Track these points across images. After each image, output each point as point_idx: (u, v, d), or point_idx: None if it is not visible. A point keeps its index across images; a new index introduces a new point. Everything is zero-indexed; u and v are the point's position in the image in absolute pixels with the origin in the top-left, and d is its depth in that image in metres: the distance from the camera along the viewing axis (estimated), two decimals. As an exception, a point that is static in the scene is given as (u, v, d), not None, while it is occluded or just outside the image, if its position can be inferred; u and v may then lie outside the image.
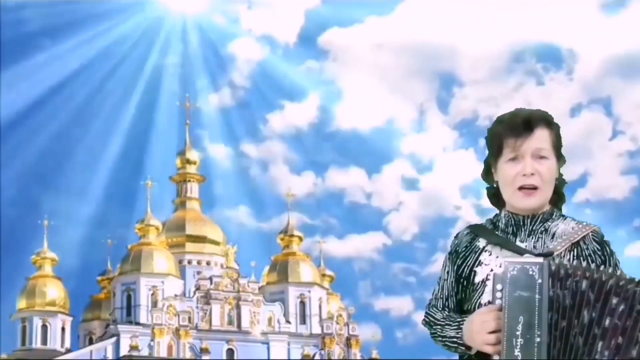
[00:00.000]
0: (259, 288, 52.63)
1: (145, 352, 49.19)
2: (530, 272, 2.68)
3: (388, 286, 71.11)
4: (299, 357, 51.61)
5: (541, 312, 2.66)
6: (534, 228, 2.90)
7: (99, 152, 64.04)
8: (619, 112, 71.52)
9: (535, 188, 2.86)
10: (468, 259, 2.91)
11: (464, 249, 2.93)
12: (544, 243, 2.87)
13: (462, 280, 2.90)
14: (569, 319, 2.67)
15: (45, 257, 54.43)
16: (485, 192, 3.02)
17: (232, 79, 70.67)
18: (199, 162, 59.23)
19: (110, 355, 49.63)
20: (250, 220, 66.42)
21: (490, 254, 2.88)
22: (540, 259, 2.72)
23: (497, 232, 2.92)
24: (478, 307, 2.82)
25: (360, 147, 70.24)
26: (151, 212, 53.81)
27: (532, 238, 2.88)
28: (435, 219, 75.40)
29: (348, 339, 53.06)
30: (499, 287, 2.71)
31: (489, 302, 2.77)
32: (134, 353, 48.68)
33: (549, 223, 2.91)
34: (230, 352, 50.79)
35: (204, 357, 50.14)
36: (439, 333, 2.87)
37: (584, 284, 2.68)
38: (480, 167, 3.01)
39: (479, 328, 2.72)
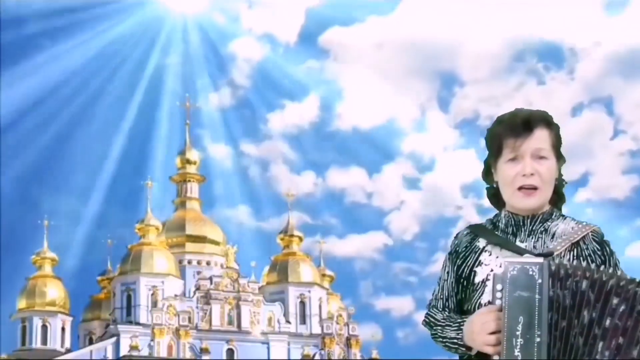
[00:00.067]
0: (259, 288, 52.63)
1: (145, 352, 49.18)
2: (530, 272, 2.68)
3: (389, 286, 71.07)
4: (299, 357, 51.59)
5: (541, 312, 2.65)
6: (533, 228, 2.90)
7: (99, 152, 64.03)
8: (620, 112, 71.49)
9: (535, 188, 2.85)
10: (468, 259, 2.91)
11: (464, 249, 2.93)
12: (544, 243, 2.87)
13: (462, 280, 2.91)
14: (569, 319, 2.66)
15: (45, 257, 54.43)
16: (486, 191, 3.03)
17: (232, 79, 70.65)
18: (199, 162, 59.24)
19: (110, 355, 49.62)
20: (251, 220, 66.39)
21: (490, 254, 2.88)
22: (540, 259, 2.71)
23: (497, 232, 2.92)
24: (478, 307, 2.82)
25: (361, 147, 70.19)
26: (151, 212, 53.82)
27: (532, 238, 2.88)
28: (436, 218, 75.32)
29: (348, 339, 53.05)
30: (499, 287, 2.71)
31: (489, 302, 2.77)
32: (134, 353, 48.67)
33: (549, 223, 2.90)
34: (230, 352, 50.78)
35: (204, 357, 50.12)
36: (439, 334, 2.87)
37: (584, 284, 2.67)
38: (481, 166, 3.00)
39: (479, 329, 2.72)
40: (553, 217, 2.92)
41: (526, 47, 71.43)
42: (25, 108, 62.75)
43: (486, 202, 3.01)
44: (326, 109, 71.35)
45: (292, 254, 54.31)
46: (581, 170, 67.64)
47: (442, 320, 2.87)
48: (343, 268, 65.43)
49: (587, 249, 2.87)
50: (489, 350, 2.71)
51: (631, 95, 70.78)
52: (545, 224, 2.90)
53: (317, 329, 52.56)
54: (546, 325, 2.65)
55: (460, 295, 2.91)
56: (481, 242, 2.91)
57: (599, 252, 2.87)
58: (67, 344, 53.12)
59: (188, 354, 50.02)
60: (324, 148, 72.84)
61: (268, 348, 51.37)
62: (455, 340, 2.81)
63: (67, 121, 64.48)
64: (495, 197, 2.96)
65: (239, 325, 51.13)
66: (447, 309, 2.92)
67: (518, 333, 2.65)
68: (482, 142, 2.98)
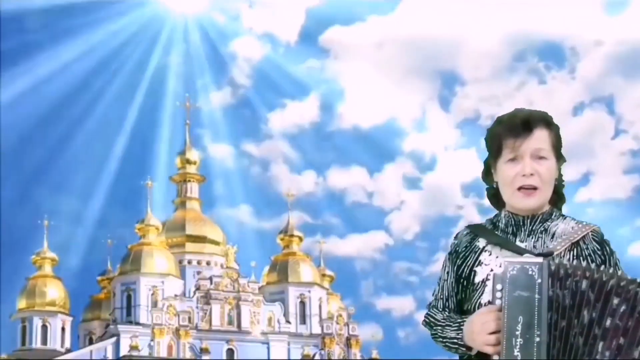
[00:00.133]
0: (259, 288, 52.63)
1: (145, 352, 49.17)
2: (530, 272, 2.67)
3: (390, 286, 70.92)
4: (299, 357, 51.60)
5: (541, 312, 2.65)
6: (533, 228, 2.90)
7: (99, 152, 63.98)
8: (622, 111, 71.38)
9: (534, 188, 2.86)
10: (468, 259, 2.91)
11: (463, 249, 2.93)
12: (544, 243, 2.87)
13: (462, 280, 2.91)
14: (568, 319, 2.66)
15: (45, 257, 54.42)
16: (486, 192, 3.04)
17: (233, 78, 70.57)
18: (199, 162, 59.22)
19: (110, 355, 49.61)
20: (251, 219, 66.32)
21: (490, 254, 2.88)
22: (540, 259, 2.71)
23: (497, 232, 2.92)
24: (478, 307, 2.83)
25: (362, 146, 70.10)
26: (151, 212, 53.82)
27: (532, 238, 2.89)
28: (437, 218, 75.19)
29: (348, 339, 53.06)
30: (498, 287, 2.71)
31: (489, 302, 2.77)
32: (134, 353, 48.67)
33: (549, 223, 2.91)
34: (230, 352, 50.77)
35: (204, 357, 50.11)
36: (439, 334, 2.87)
37: (584, 284, 2.67)
38: (482, 166, 3.01)
39: (479, 329, 2.72)
40: (553, 217, 2.92)
41: (527, 46, 71.38)
42: (25, 108, 62.73)
43: (487, 202, 3.01)
44: (327, 109, 71.32)
45: (292, 254, 54.29)
46: (582, 170, 67.58)
47: (442, 320, 2.88)
48: (343, 268, 65.38)
49: (587, 248, 2.87)
50: (488, 350, 2.71)
51: (632, 94, 70.70)
52: (545, 224, 2.90)
53: (317, 329, 52.55)
54: (546, 325, 2.65)
55: (460, 295, 2.91)
56: (481, 242, 2.91)
57: (599, 252, 2.87)
58: (67, 344, 53.12)
59: (188, 354, 50.01)
60: (324, 148, 72.81)
61: (268, 348, 51.37)
62: (455, 340, 2.81)
63: (67, 121, 64.46)
64: (495, 197, 2.97)
65: (239, 325, 51.11)
66: (447, 309, 2.92)
67: (518, 333, 2.64)
68: (483, 142, 2.98)
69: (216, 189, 63.15)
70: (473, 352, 2.78)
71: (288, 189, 58.25)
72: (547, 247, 2.84)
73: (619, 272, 2.74)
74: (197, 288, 51.33)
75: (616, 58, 70.67)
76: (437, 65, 73.07)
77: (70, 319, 54.07)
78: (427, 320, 2.94)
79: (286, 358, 51.52)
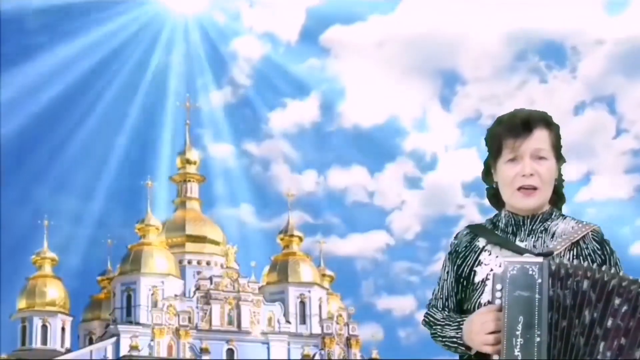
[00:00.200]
0: (259, 288, 52.63)
1: (145, 352, 49.15)
2: (530, 272, 2.67)
3: (390, 285, 70.84)
4: (299, 357, 51.59)
5: (541, 311, 2.65)
6: (533, 228, 2.90)
7: (99, 152, 63.96)
8: (623, 110, 71.29)
9: (534, 188, 2.86)
10: (468, 258, 2.91)
11: (463, 248, 2.94)
12: (544, 242, 2.87)
13: (461, 280, 2.91)
14: (569, 319, 2.66)
15: (45, 257, 54.40)
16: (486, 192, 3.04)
17: (233, 77, 70.52)
18: (199, 162, 59.20)
19: (110, 355, 49.60)
20: (252, 219, 66.26)
21: (490, 254, 2.88)
22: (540, 259, 2.71)
23: (497, 232, 2.93)
24: (478, 307, 2.83)
25: (362, 146, 70.10)
26: (151, 212, 53.79)
27: (532, 238, 2.89)
28: (438, 217, 75.06)
29: (348, 339, 53.05)
30: (498, 286, 2.71)
31: (489, 302, 2.77)
32: (134, 353, 48.65)
33: (549, 222, 2.91)
34: (230, 352, 50.76)
35: (204, 357, 50.09)
36: (438, 333, 2.88)
37: (585, 284, 2.66)
38: (482, 166, 3.02)
39: (478, 328, 2.72)
40: (553, 216, 2.92)
41: (528, 45, 71.31)
42: (25, 108, 62.67)
43: (488, 202, 3.01)
44: (327, 108, 71.26)
45: (292, 254, 54.27)
46: (583, 170, 67.49)
47: (442, 320, 2.88)
48: (344, 268, 65.33)
49: (587, 248, 2.87)
50: (487, 349, 2.70)
51: (634, 94, 70.61)
52: (545, 224, 2.90)
53: (317, 329, 52.53)
54: (546, 325, 2.64)
55: (460, 295, 2.92)
56: (481, 242, 2.92)
57: (599, 252, 2.87)
58: (67, 344, 53.12)
59: (188, 354, 49.99)
60: (325, 147, 72.77)
61: (268, 348, 51.35)
62: (455, 340, 2.81)
63: (67, 121, 64.42)
64: (495, 197, 2.97)
65: (239, 325, 51.09)
66: (446, 309, 2.92)
67: (518, 333, 2.64)
68: (484, 142, 2.98)
69: (216, 189, 63.13)
70: (472, 352, 2.78)
71: (288, 189, 58.26)
72: (547, 246, 2.84)
73: (620, 272, 2.73)
74: (197, 288, 51.31)
75: (617, 57, 70.59)
76: (437, 65, 73.03)
77: (70, 319, 54.08)
78: (426, 319, 2.94)
79: (286, 358, 51.52)
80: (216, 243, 55.62)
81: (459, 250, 2.94)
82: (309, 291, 53.11)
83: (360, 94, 69.97)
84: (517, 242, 2.88)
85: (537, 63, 72.43)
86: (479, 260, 2.89)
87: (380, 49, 73.39)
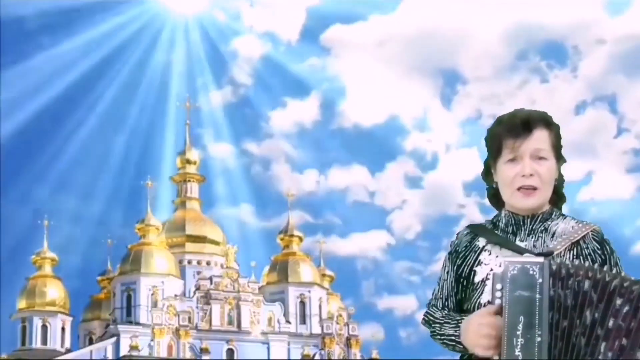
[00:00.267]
0: (259, 288, 52.62)
1: (145, 352, 49.13)
2: (531, 272, 2.66)
3: (391, 285, 70.82)
4: (299, 357, 51.57)
5: (542, 311, 2.64)
6: (534, 227, 2.90)
7: (99, 152, 63.94)
8: (624, 110, 71.29)
9: (534, 188, 2.86)
10: (468, 258, 2.92)
11: (463, 248, 2.94)
12: (544, 242, 2.87)
13: (461, 280, 2.92)
14: (570, 319, 2.65)
15: (45, 257, 54.39)
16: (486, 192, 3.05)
17: (233, 77, 70.51)
18: (199, 162, 59.20)
19: (110, 355, 49.58)
20: (252, 219, 66.23)
21: (490, 254, 2.89)
22: (540, 259, 2.70)
23: (497, 232, 2.93)
24: (478, 307, 2.84)
25: (363, 145, 70.10)
26: (151, 212, 53.77)
27: (532, 237, 2.89)
28: (439, 217, 75.06)
29: (348, 339, 53.04)
30: (498, 286, 2.70)
31: (489, 302, 2.77)
32: (134, 353, 48.63)
33: (549, 222, 2.91)
34: (230, 352, 50.74)
35: (204, 357, 50.06)
36: (437, 331, 2.88)
37: (587, 284, 2.66)
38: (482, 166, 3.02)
39: (474, 329, 2.72)
40: (553, 216, 2.92)
41: (529, 45, 71.29)
42: (25, 108, 62.62)
43: (488, 201, 3.02)
44: (328, 107, 71.25)
45: (292, 254, 54.24)
46: (585, 169, 67.42)
47: (441, 318, 2.88)
48: (344, 268, 65.34)
49: (587, 248, 2.87)
50: (478, 352, 2.71)
51: (635, 93, 70.62)
52: (545, 224, 2.90)
53: (317, 329, 52.51)
54: (547, 325, 2.64)
55: (460, 295, 2.92)
56: (481, 242, 2.92)
57: (599, 252, 2.87)
58: (67, 344, 53.11)
59: (188, 354, 49.97)
60: (325, 147, 72.74)
61: (268, 348, 51.33)
62: (453, 338, 2.82)
63: (67, 121, 64.38)
64: (495, 197, 2.97)
65: (239, 325, 51.08)
66: (446, 308, 2.93)
67: (519, 333, 2.63)
68: (484, 142, 2.99)
69: (216, 189, 63.12)
70: (470, 350, 2.78)
71: (288, 189, 58.20)
72: (547, 246, 2.84)
73: (621, 273, 2.74)
74: (197, 288, 51.29)
75: (618, 57, 70.56)
76: (438, 64, 73.01)
77: (70, 319, 54.08)
78: (426, 318, 2.95)
79: (286, 358, 51.50)
80: (216, 243, 55.60)
81: (459, 250, 2.94)
82: (309, 291, 53.08)
83: (361, 94, 69.99)
84: (517, 242, 2.88)
85: (538, 62, 72.45)
86: (479, 260, 2.89)
87: (381, 48, 73.38)
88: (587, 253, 2.85)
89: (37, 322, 52.30)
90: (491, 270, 2.83)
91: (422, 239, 71.63)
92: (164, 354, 49.57)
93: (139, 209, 54.70)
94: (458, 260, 2.93)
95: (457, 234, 2.99)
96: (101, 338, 52.00)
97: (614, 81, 71.46)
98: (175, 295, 50.87)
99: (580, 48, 71.67)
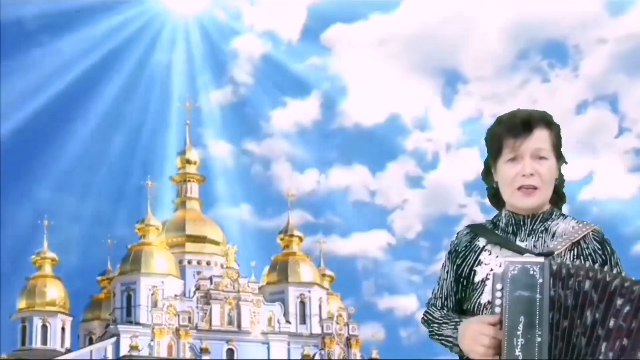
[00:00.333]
0: (259, 288, 52.62)
1: (145, 352, 49.13)
2: (531, 272, 2.66)
3: (392, 285, 70.81)
4: (299, 357, 51.55)
5: (542, 311, 2.64)
6: (534, 227, 2.90)
7: (99, 152, 63.91)
8: (625, 109, 71.29)
9: (534, 188, 2.86)
10: (468, 258, 2.92)
11: (463, 248, 2.94)
12: (544, 242, 2.87)
13: (461, 279, 2.91)
14: (571, 319, 2.65)
15: (45, 257, 54.40)
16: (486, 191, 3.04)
17: (234, 76, 70.46)
18: (199, 162, 59.21)
19: (110, 355, 49.57)
20: (252, 218, 66.21)
21: (490, 254, 2.89)
22: (541, 259, 2.70)
23: (497, 232, 2.93)
24: (477, 307, 2.84)
25: (364, 145, 70.09)
26: (151, 212, 53.76)
27: (532, 237, 2.89)
28: (440, 217, 75.06)
29: (348, 339, 53.03)
30: (498, 286, 2.70)
31: (489, 302, 2.78)
32: (134, 353, 48.63)
33: (549, 222, 2.91)
34: (230, 352, 50.74)
35: (204, 357, 50.06)
36: (435, 331, 2.89)
37: (587, 284, 2.66)
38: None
39: (471, 335, 2.72)
40: (553, 216, 2.92)
41: (530, 44, 71.28)
42: (25, 107, 62.61)
43: (488, 201, 3.02)
44: (329, 107, 71.22)
45: (292, 254, 54.23)
46: (586, 169, 67.35)
47: (440, 318, 2.88)
48: (344, 267, 65.35)
49: (587, 248, 2.87)
50: (474, 357, 2.71)
51: (636, 92, 70.62)
52: (545, 224, 2.90)
53: (317, 329, 52.51)
54: (547, 325, 2.63)
55: (460, 295, 2.92)
56: (481, 242, 2.92)
57: (599, 252, 2.87)
58: (67, 344, 53.11)
59: (188, 354, 49.96)
60: (326, 146, 72.77)
61: (268, 348, 51.32)
62: (451, 340, 2.82)
63: (67, 121, 64.38)
64: (496, 197, 2.97)
65: (239, 325, 51.07)
66: (445, 308, 2.93)
67: (519, 332, 2.63)
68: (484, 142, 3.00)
69: (216, 189, 63.08)
70: (466, 354, 2.79)
71: (289, 188, 58.17)
72: (547, 246, 2.84)
73: (622, 273, 2.74)
74: (197, 288, 51.28)
75: (620, 56, 70.55)
76: (439, 63, 73.01)
77: (70, 319, 54.09)
78: (425, 317, 2.95)
79: (286, 358, 51.49)
80: (216, 243, 55.59)
81: (459, 250, 2.94)
82: (309, 291, 53.07)
83: (362, 93, 69.96)
84: (518, 242, 2.87)
85: (539, 62, 72.43)
86: (479, 260, 2.89)
87: (382, 47, 73.36)
88: (587, 253, 2.85)
89: (37, 322, 52.30)
90: (491, 270, 2.83)
91: (422, 238, 71.73)
92: (164, 354, 49.57)
93: (139, 209, 54.77)
94: (458, 260, 2.93)
95: (457, 234, 2.99)
96: (101, 338, 52.00)
97: (615, 81, 71.48)
98: (175, 295, 50.87)
99: (581, 47, 71.70)
